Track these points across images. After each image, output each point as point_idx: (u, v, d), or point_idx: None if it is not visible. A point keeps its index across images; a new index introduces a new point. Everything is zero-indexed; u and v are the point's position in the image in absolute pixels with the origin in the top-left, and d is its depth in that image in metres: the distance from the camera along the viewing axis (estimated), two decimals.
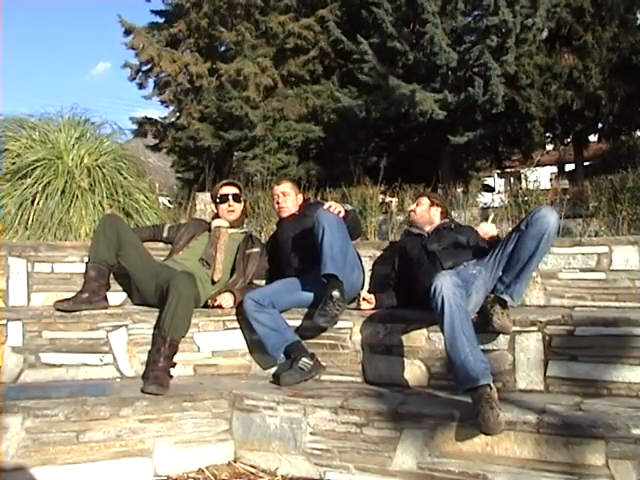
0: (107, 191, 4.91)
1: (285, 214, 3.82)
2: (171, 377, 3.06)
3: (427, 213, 3.54)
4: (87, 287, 3.39)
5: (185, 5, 17.86)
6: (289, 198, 3.82)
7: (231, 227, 3.84)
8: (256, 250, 3.79)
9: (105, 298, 3.44)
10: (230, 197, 3.86)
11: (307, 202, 3.90)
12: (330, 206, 3.30)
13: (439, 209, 3.57)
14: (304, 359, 3.12)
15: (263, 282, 3.77)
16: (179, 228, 3.91)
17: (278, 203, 3.84)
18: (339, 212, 3.29)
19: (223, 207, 3.86)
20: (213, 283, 3.62)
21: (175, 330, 3.07)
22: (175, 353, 3.11)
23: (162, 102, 18.83)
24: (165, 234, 3.89)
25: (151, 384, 2.93)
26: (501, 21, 14.34)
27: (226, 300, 3.48)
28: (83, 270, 3.58)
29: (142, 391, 2.93)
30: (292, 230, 3.68)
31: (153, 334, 3.29)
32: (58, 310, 3.26)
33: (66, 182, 4.79)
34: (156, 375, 2.99)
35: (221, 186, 3.94)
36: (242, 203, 3.96)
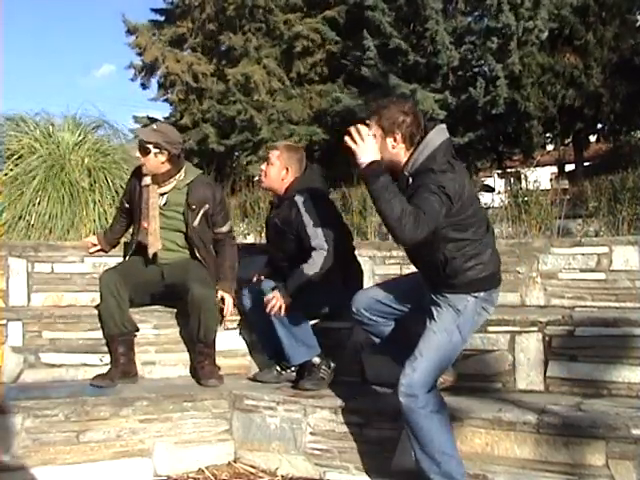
0: (107, 192, 4.93)
1: (262, 185, 3.37)
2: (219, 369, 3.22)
3: None
4: (118, 365, 3.15)
5: (189, 5, 17.86)
6: (271, 169, 3.21)
7: (155, 184, 3.31)
8: (202, 211, 3.29)
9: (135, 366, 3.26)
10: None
11: (296, 182, 3.20)
12: (270, 307, 2.98)
13: None
14: (324, 367, 3.10)
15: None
16: (130, 197, 3.47)
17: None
18: (280, 307, 2.97)
19: None
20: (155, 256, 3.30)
21: (207, 336, 3.18)
22: (214, 348, 3.23)
23: (170, 103, 18.81)
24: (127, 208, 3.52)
25: (210, 379, 3.09)
26: (504, 24, 14.33)
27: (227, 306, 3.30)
28: (83, 270, 3.59)
29: (203, 385, 3.07)
30: (272, 222, 3.30)
31: (182, 338, 3.35)
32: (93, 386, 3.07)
33: (68, 182, 4.80)
34: (211, 370, 3.15)
35: None
36: (156, 155, 3.25)
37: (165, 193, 3.32)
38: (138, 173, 3.40)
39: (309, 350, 3.06)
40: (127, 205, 3.50)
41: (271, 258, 3.40)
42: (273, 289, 3.05)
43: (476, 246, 2.42)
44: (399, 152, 2.42)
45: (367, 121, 2.46)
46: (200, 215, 3.30)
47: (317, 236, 3.01)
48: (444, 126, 2.47)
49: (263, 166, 3.28)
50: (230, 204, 6.87)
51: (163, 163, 3.28)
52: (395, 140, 2.41)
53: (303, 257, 3.07)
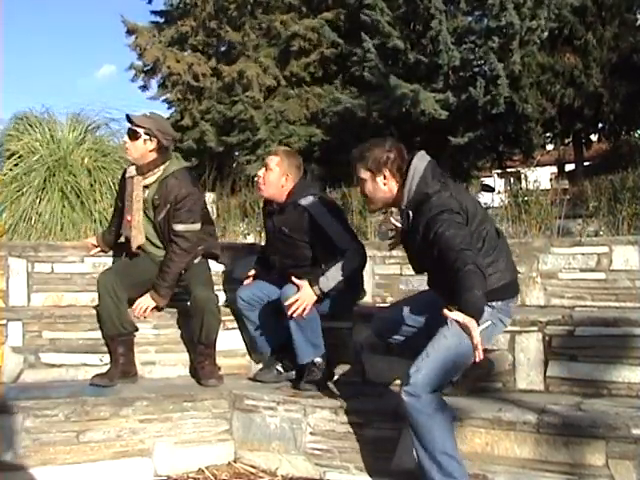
0: (107, 192, 4.93)
1: (262, 193, 3.21)
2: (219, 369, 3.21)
3: None
4: (117, 365, 3.13)
5: (190, 3, 17.87)
6: (270, 175, 3.12)
7: (140, 174, 3.20)
8: (165, 210, 3.15)
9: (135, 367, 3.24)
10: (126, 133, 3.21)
11: (297, 186, 3.15)
12: (293, 310, 2.87)
13: None
14: (325, 367, 3.07)
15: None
16: (121, 195, 3.37)
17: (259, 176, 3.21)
18: (303, 310, 2.88)
19: None
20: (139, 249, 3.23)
21: (209, 337, 3.16)
22: (215, 348, 3.21)
23: (168, 102, 18.81)
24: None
25: (209, 379, 3.08)
26: (508, 23, 14.32)
27: (143, 305, 3.21)
28: (83, 270, 3.58)
29: (203, 385, 3.06)
30: (274, 227, 3.21)
31: (182, 338, 3.35)
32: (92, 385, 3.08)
33: (68, 182, 4.81)
34: (211, 370, 3.14)
35: None
36: (145, 142, 3.15)
37: (148, 186, 3.21)
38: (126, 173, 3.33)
39: (316, 350, 3.04)
40: (120, 204, 3.42)
41: (280, 266, 3.23)
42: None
43: (490, 254, 2.46)
44: (391, 187, 2.54)
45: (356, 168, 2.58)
46: (164, 213, 3.18)
47: (344, 238, 3.00)
48: (424, 152, 2.57)
49: (261, 172, 3.18)
50: (230, 204, 6.87)
51: (150, 151, 3.16)
52: (385, 177, 2.53)
53: (317, 260, 3.07)
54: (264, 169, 3.16)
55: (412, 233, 2.48)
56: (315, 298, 2.90)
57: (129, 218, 3.19)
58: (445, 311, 2.14)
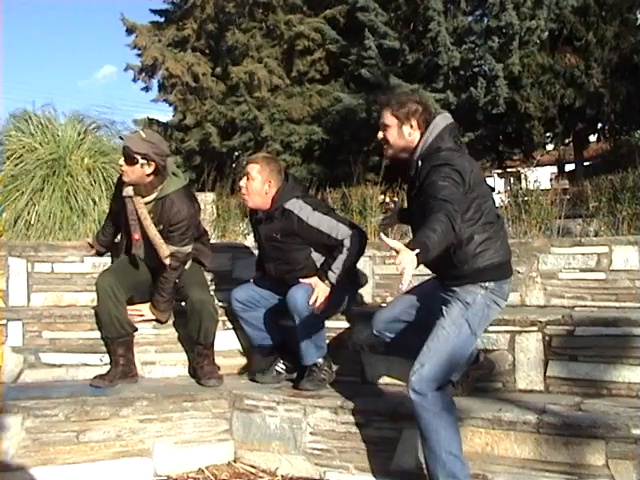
0: (107, 191, 4.93)
1: (247, 203, 3.17)
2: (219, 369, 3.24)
3: None
4: (117, 366, 3.15)
5: (191, 4, 17.85)
6: (253, 183, 3.08)
7: (138, 195, 3.14)
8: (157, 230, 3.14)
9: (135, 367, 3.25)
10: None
11: (280, 191, 3.09)
12: (317, 306, 2.91)
13: None
14: (326, 368, 3.09)
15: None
16: (117, 206, 3.33)
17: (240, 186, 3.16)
18: (321, 304, 2.92)
19: None
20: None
21: (207, 339, 3.18)
22: (213, 348, 3.24)
23: (170, 103, 18.79)
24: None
25: (209, 379, 3.11)
26: (507, 23, 14.32)
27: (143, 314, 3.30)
28: (83, 270, 3.58)
29: (202, 385, 3.08)
30: (265, 236, 3.17)
31: (182, 338, 3.35)
32: (92, 386, 3.07)
33: (67, 182, 4.81)
34: (210, 370, 3.16)
35: None
36: (143, 166, 3.06)
37: (148, 203, 3.17)
38: (122, 183, 3.22)
39: (319, 350, 3.05)
40: (116, 210, 3.35)
41: (277, 273, 3.19)
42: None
43: (487, 229, 2.48)
44: (415, 138, 2.59)
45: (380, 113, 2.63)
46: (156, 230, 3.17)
47: (337, 228, 3.00)
48: (448, 114, 2.69)
49: (242, 182, 3.12)
50: (230, 204, 6.86)
51: (148, 175, 3.09)
52: (412, 127, 2.57)
53: (311, 260, 3.08)
54: (245, 178, 3.12)
55: (415, 182, 2.56)
56: (329, 290, 2.96)
57: (137, 237, 3.17)
58: (382, 235, 2.21)
